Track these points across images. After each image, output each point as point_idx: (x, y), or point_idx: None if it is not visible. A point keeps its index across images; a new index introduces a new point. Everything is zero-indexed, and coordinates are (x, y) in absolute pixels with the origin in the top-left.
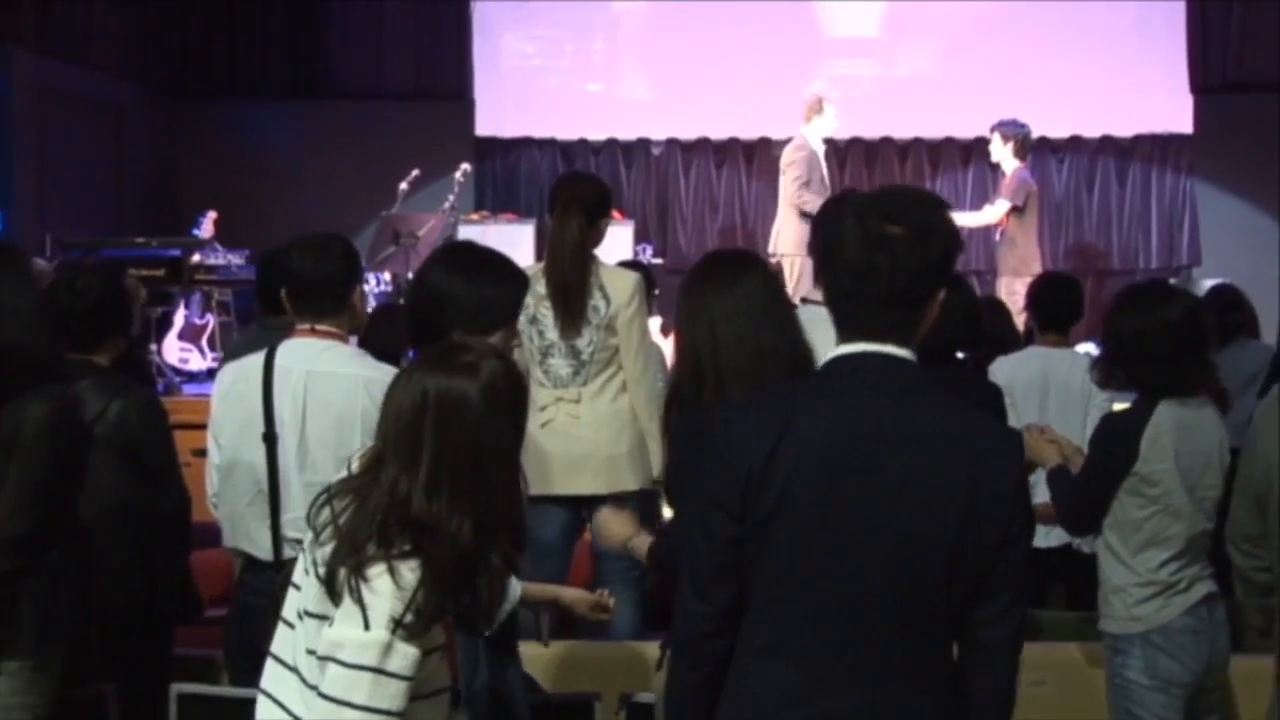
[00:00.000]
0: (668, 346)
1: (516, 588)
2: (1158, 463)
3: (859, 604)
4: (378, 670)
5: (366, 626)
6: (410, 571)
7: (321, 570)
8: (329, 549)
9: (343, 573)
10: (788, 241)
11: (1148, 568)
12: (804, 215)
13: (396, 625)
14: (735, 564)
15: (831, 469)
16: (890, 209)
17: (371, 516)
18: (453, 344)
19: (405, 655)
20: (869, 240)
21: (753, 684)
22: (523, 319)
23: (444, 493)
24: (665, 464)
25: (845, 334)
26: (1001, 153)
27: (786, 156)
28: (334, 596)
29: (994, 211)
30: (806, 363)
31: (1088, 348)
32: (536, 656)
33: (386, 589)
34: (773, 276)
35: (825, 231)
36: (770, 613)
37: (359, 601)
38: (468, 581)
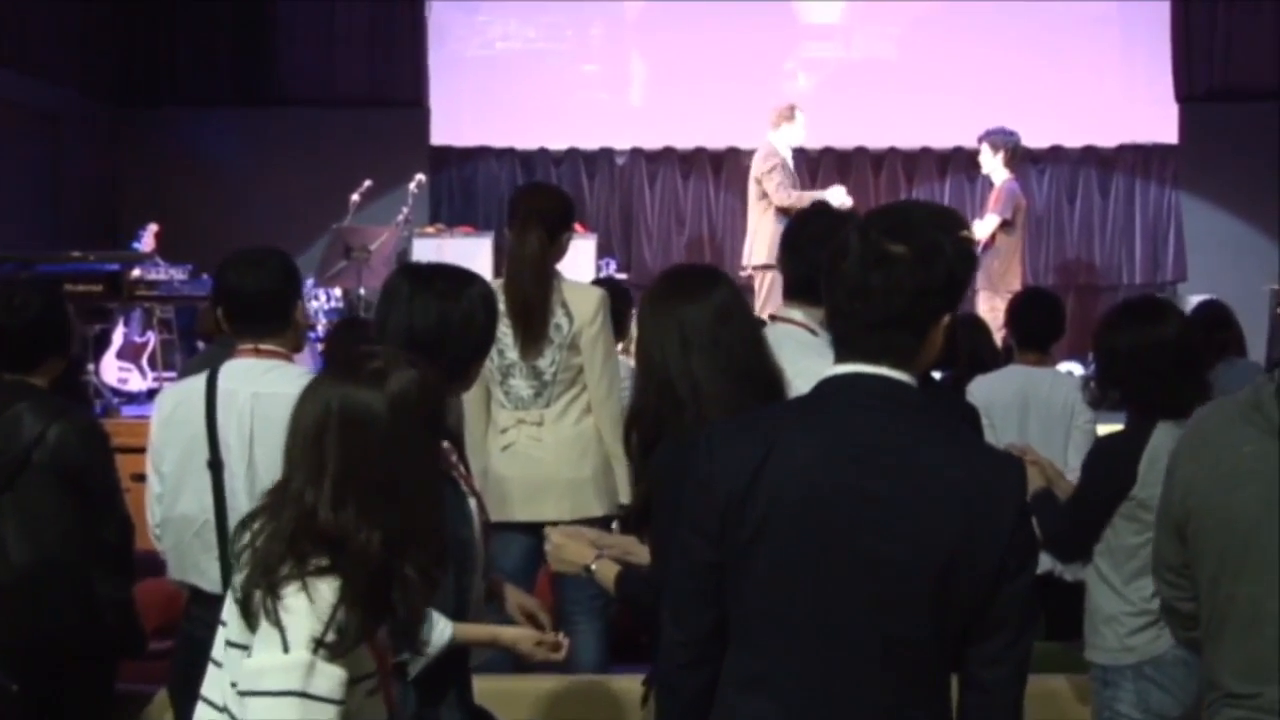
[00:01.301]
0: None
1: (445, 629)
2: (1155, 487)
3: (842, 637)
4: (302, 694)
5: (286, 649)
6: (328, 588)
7: (239, 595)
8: (245, 573)
9: (258, 595)
10: (762, 253)
11: (1141, 596)
12: (782, 214)
13: (318, 645)
14: (714, 591)
15: (816, 494)
16: (895, 226)
17: (283, 534)
18: (361, 352)
19: (330, 676)
20: (868, 257)
21: (734, 718)
22: None
23: (351, 505)
24: (636, 490)
25: (840, 354)
26: (991, 163)
27: (761, 164)
28: (250, 621)
29: (983, 227)
30: (780, 384)
31: (1069, 366)
32: (502, 691)
33: (303, 607)
34: (740, 292)
35: (829, 245)
36: (751, 644)
37: (276, 623)
38: (384, 596)
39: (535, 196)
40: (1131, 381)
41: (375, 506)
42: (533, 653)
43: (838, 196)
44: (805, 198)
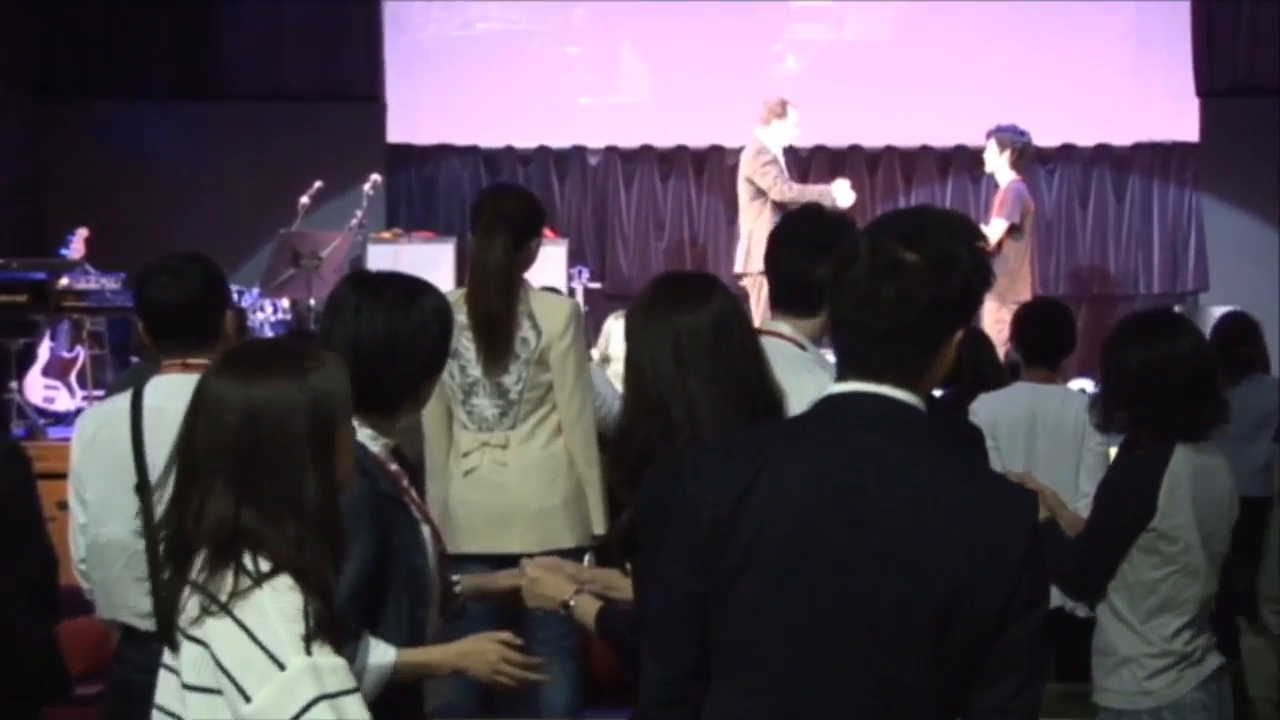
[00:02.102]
0: (616, 381)
1: (386, 652)
2: (1177, 516)
3: (832, 678)
4: (325, 697)
5: (281, 665)
6: (286, 586)
7: (188, 628)
8: (189, 604)
9: (216, 625)
10: (759, 258)
11: (1161, 635)
12: (781, 211)
13: (309, 642)
14: (696, 624)
15: (807, 522)
16: (909, 232)
17: (218, 552)
18: (266, 342)
19: (336, 669)
20: (878, 264)
21: None
22: None
23: (262, 504)
24: (621, 519)
25: (842, 370)
26: (996, 163)
27: (752, 161)
28: (214, 657)
29: (990, 232)
30: (782, 406)
31: (1081, 384)
32: None
33: (272, 616)
34: (738, 301)
35: (835, 251)
36: (733, 682)
37: (256, 643)
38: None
39: (501, 199)
40: (1143, 401)
41: (294, 499)
42: (500, 674)
43: (843, 191)
44: (809, 191)
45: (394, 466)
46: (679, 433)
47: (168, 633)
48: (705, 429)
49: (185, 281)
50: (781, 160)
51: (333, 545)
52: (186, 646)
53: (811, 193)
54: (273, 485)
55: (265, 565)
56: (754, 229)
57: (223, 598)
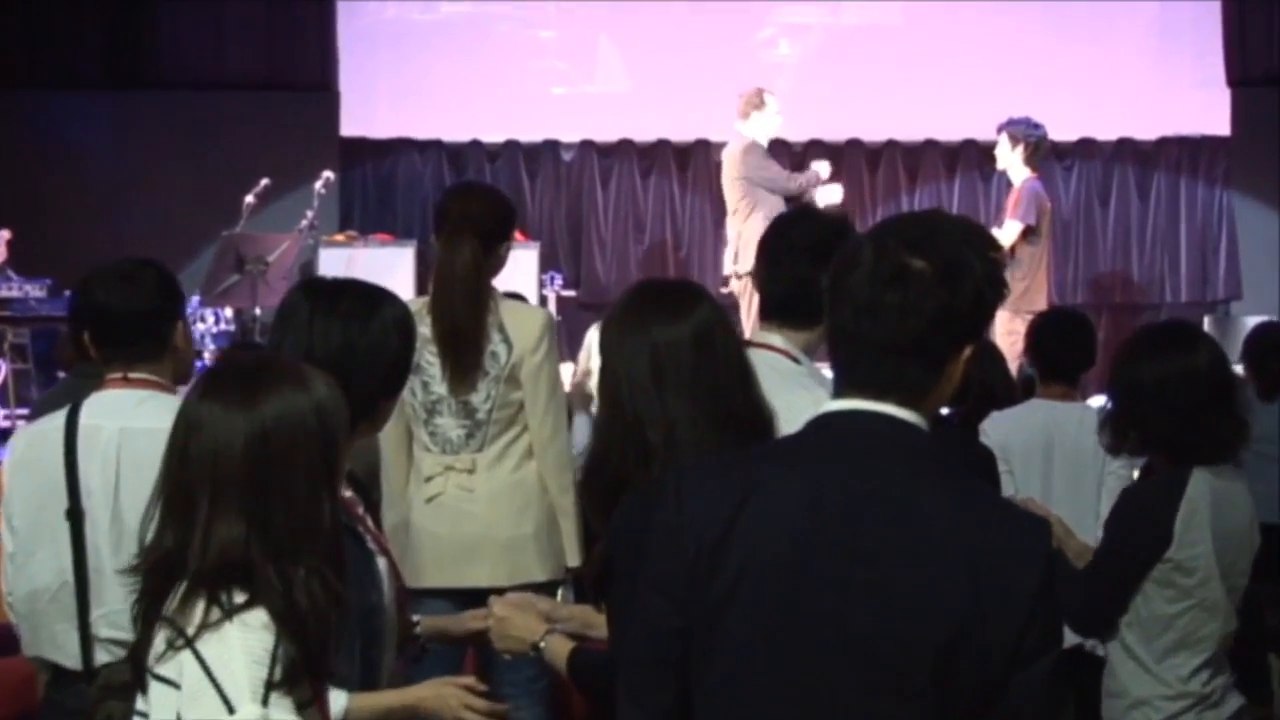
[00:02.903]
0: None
1: (339, 698)
2: (1194, 546)
3: None
4: None
5: (230, 708)
6: (260, 624)
7: (156, 665)
8: (157, 638)
9: (180, 655)
10: (748, 260)
11: (1177, 676)
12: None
13: (269, 690)
14: (678, 663)
15: (799, 552)
16: (917, 237)
17: (196, 578)
18: (254, 357)
19: (286, 712)
20: (882, 271)
21: None
22: None
23: (276, 530)
24: (595, 552)
25: (840, 387)
26: (1009, 159)
27: (744, 160)
28: (178, 683)
29: (1003, 235)
30: (771, 428)
31: (1101, 402)
32: None
33: (236, 654)
34: (724, 313)
35: (836, 255)
36: None
37: (211, 679)
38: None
39: (468, 199)
40: (1157, 421)
41: (295, 525)
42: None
43: (827, 178)
44: (803, 179)
45: (348, 493)
46: (655, 457)
47: (136, 672)
48: (683, 453)
49: (137, 287)
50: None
51: (343, 578)
52: (155, 688)
53: (803, 180)
54: (288, 513)
55: (240, 597)
56: (744, 230)
57: (190, 630)
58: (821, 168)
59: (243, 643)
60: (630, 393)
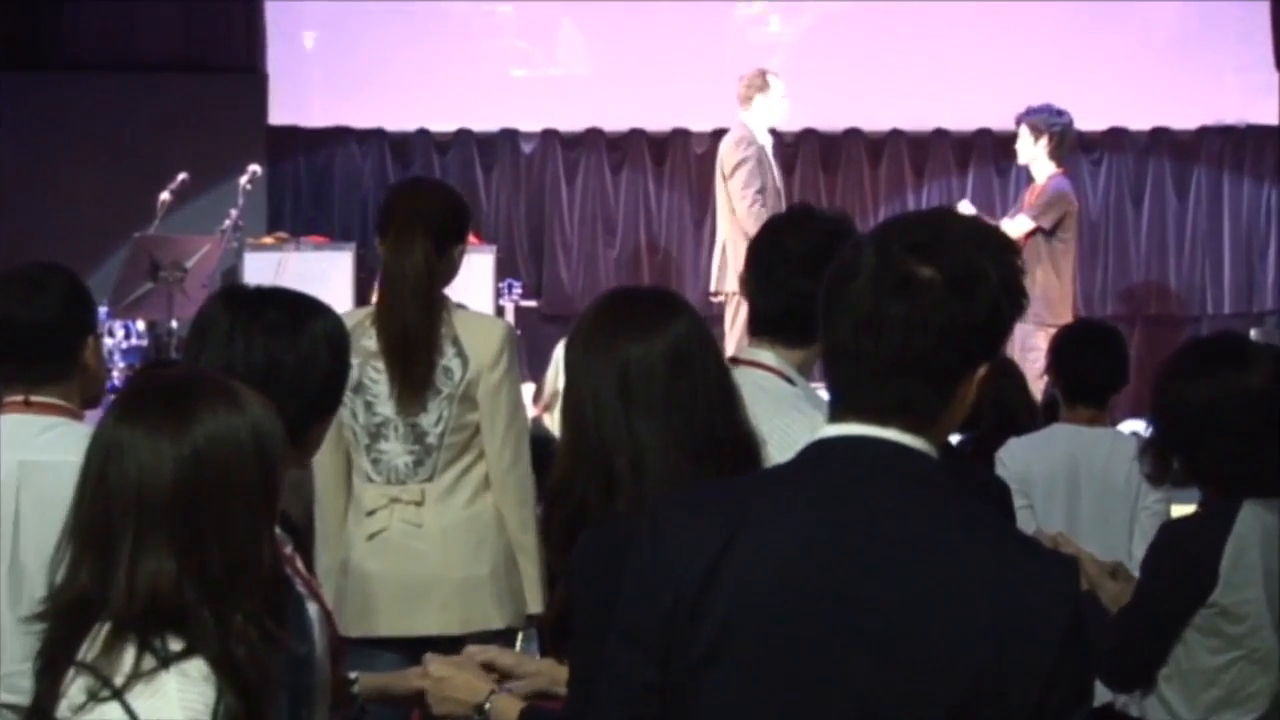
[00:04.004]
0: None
1: None
2: (1243, 590)
3: None
4: None
5: None
6: (200, 675)
7: (74, 718)
8: (72, 687)
9: (104, 707)
10: (737, 275)
11: None
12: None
13: None
14: None
15: (793, 599)
16: (924, 241)
17: (121, 621)
18: (179, 373)
19: None
20: (886, 280)
21: None
22: None
23: (211, 569)
24: (553, 596)
25: (837, 409)
26: (1032, 153)
27: (729, 154)
28: None
29: (1010, 229)
30: (756, 457)
31: (1134, 427)
32: None
33: (178, 707)
34: (705, 326)
35: (832, 262)
36: None
37: None
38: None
39: (418, 196)
40: (1204, 447)
41: (210, 559)
42: None
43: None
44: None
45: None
46: (620, 487)
47: None
48: (653, 484)
49: (43, 296)
50: (770, 150)
51: (284, 624)
52: None
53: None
54: (224, 549)
55: (176, 645)
56: (732, 235)
57: (118, 680)
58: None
59: (181, 697)
60: (595, 416)
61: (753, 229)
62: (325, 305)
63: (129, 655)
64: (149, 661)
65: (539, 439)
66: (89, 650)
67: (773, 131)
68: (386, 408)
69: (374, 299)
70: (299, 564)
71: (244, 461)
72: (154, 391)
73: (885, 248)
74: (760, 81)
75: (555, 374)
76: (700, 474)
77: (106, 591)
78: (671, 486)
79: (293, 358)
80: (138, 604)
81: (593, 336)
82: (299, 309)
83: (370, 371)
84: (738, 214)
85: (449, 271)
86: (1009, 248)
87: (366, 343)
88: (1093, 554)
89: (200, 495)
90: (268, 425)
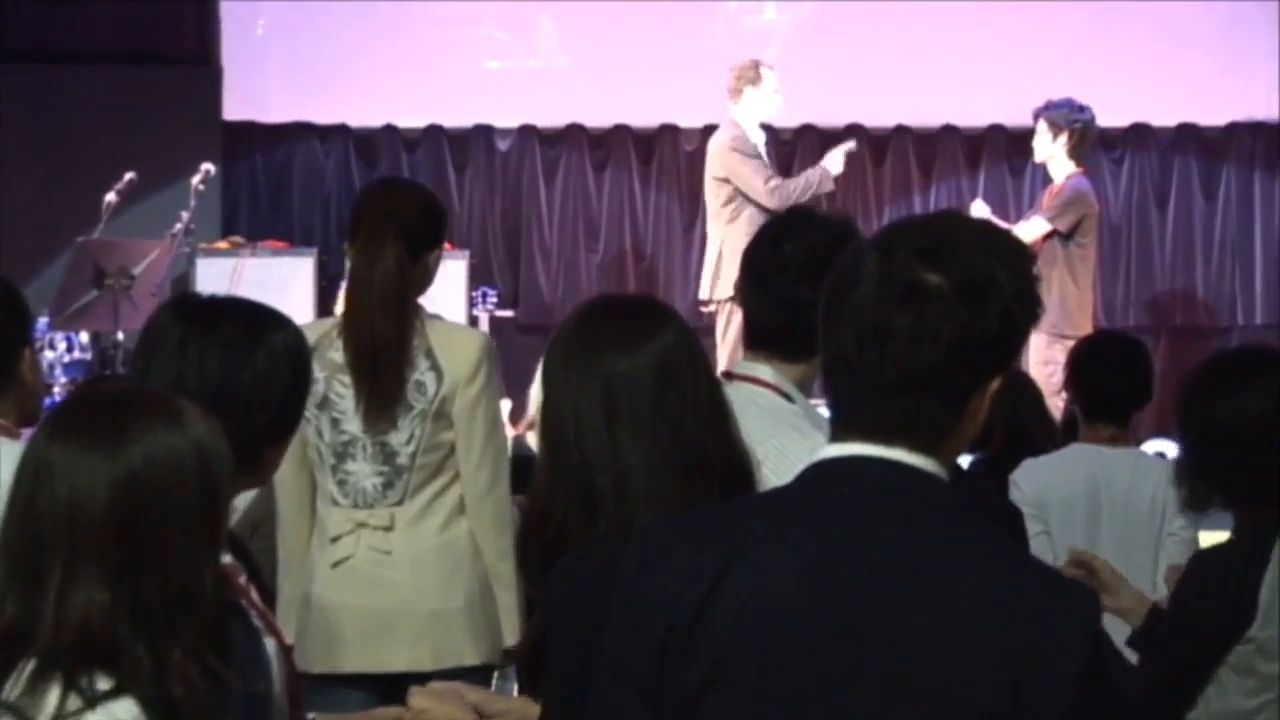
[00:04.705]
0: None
1: None
2: None
3: None
4: None
5: None
6: (129, 717)
7: None
8: None
9: None
10: (732, 280)
11: None
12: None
13: None
14: None
15: (793, 632)
16: (931, 246)
17: (48, 656)
18: (116, 388)
19: None
20: (891, 288)
21: None
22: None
23: (147, 599)
24: (528, 627)
25: (838, 428)
26: (1050, 151)
27: (726, 153)
28: None
29: (1023, 230)
30: (750, 479)
31: (1159, 446)
32: None
33: None
34: (694, 337)
35: (832, 269)
36: None
37: None
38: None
39: (391, 197)
40: (1236, 469)
41: (147, 589)
42: None
43: (835, 161)
44: (807, 184)
45: (227, 558)
46: (603, 508)
47: None
48: (638, 505)
49: None
50: (763, 147)
51: (228, 661)
52: None
53: (810, 183)
54: (162, 578)
55: (104, 683)
56: (726, 240)
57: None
58: (832, 161)
59: None
60: (577, 432)
61: (778, 201)
62: (285, 316)
63: (54, 695)
64: (74, 702)
65: (520, 460)
66: (13, 688)
67: (766, 127)
68: (354, 425)
69: (338, 308)
70: (254, 595)
71: (185, 484)
72: (88, 407)
73: (889, 253)
74: (752, 73)
75: (539, 390)
76: (689, 495)
77: (34, 624)
78: (658, 508)
79: (250, 373)
80: (66, 638)
81: (573, 349)
82: (257, 320)
83: (336, 386)
84: (765, 200)
85: (423, 279)
86: (1022, 252)
87: (333, 355)
88: (1108, 562)
89: (137, 520)
90: (211, 444)
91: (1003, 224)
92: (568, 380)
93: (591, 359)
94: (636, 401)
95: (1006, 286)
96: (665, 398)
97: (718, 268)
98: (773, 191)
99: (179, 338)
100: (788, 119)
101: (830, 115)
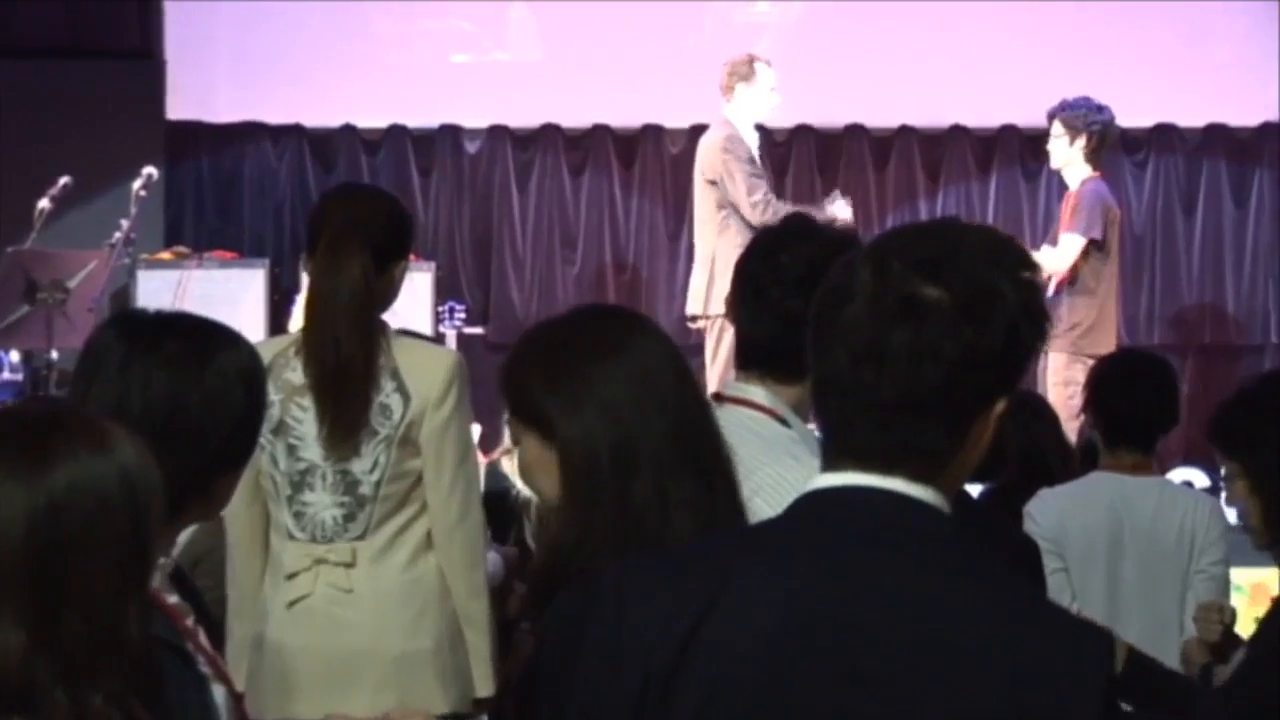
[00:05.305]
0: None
1: None
2: None
3: None
4: None
5: None
6: None
7: None
8: None
9: None
10: (724, 294)
11: None
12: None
13: None
14: None
15: (783, 677)
16: (930, 256)
17: None
18: (37, 409)
19: None
20: (887, 303)
21: None
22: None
23: (68, 639)
24: (522, 660)
25: (831, 456)
26: (1066, 154)
27: (712, 149)
28: None
29: (1062, 253)
30: (738, 506)
31: (1187, 475)
32: None
33: None
34: (673, 347)
35: (823, 282)
36: None
37: None
38: None
39: (355, 204)
40: None
41: (67, 628)
42: None
43: (842, 212)
44: (780, 209)
45: (172, 598)
46: (647, 521)
47: None
48: (679, 519)
49: None
50: (756, 149)
51: (154, 707)
52: None
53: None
54: (84, 616)
55: None
56: (718, 250)
57: None
58: (838, 208)
59: None
60: (586, 445)
61: (760, 217)
62: (237, 334)
63: None
64: None
65: (494, 491)
66: None
67: (760, 128)
68: (313, 452)
69: (293, 325)
70: (202, 638)
71: (110, 514)
72: (4, 430)
73: (885, 265)
74: (745, 69)
75: None
76: (713, 505)
77: None
78: (697, 514)
79: (199, 396)
80: None
81: (558, 358)
82: (206, 338)
83: (294, 409)
84: (749, 214)
85: (389, 292)
86: (1027, 262)
87: (290, 375)
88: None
89: (57, 553)
90: (139, 470)
91: (1034, 250)
92: (564, 406)
93: (580, 369)
94: (662, 389)
95: (1011, 300)
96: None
97: (710, 280)
98: (758, 206)
99: (122, 357)
100: (782, 119)
101: (828, 114)
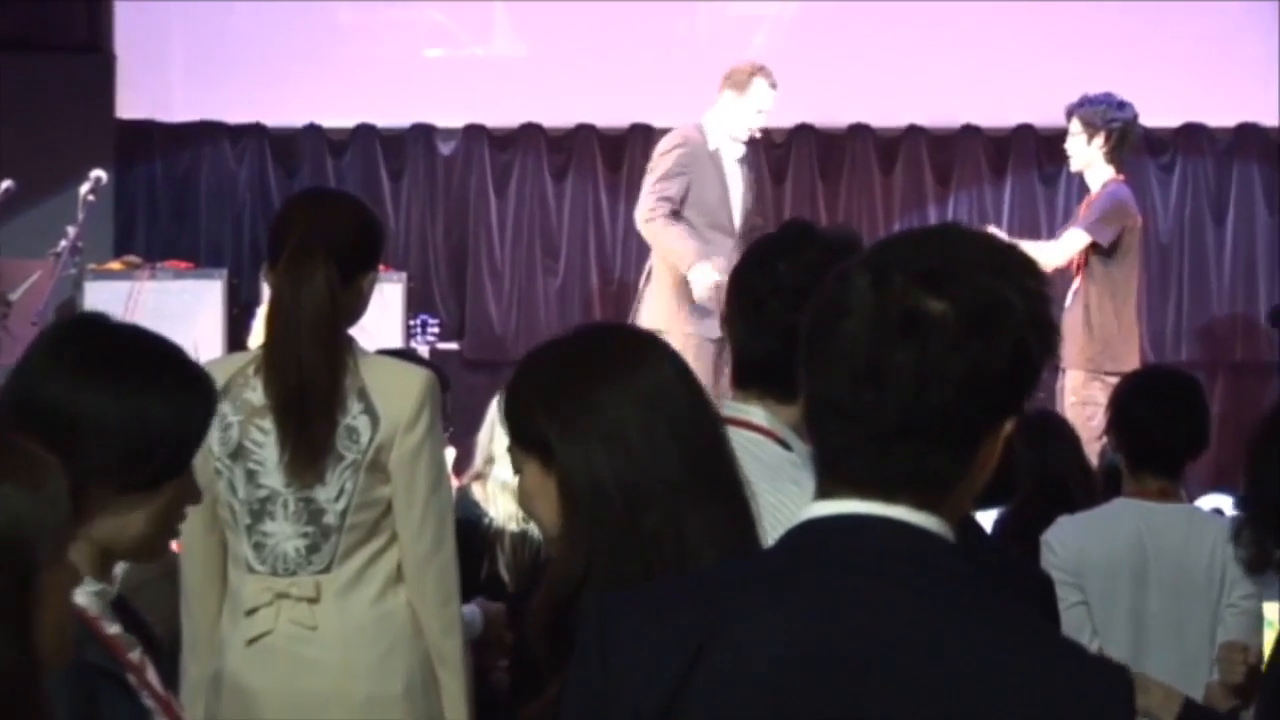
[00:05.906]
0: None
1: None
2: None
3: None
4: None
5: None
6: None
7: None
8: None
9: None
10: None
11: None
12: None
13: None
14: None
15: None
16: (932, 267)
17: None
18: None
19: None
20: (888, 318)
21: None
22: (216, 450)
23: None
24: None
25: (827, 482)
26: (1086, 154)
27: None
28: None
29: (1061, 248)
30: (755, 534)
31: (1217, 502)
32: None
33: None
34: (684, 365)
35: (815, 295)
36: None
37: None
38: None
39: (319, 210)
40: None
41: None
42: None
43: (702, 277)
44: (666, 236)
45: (114, 629)
46: (667, 549)
47: None
48: (704, 548)
49: None
50: (726, 153)
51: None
52: None
53: (679, 257)
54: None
55: None
56: (658, 266)
57: None
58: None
59: None
60: (592, 478)
61: (655, 247)
62: (182, 351)
63: None
64: None
65: (465, 519)
66: None
67: (763, 131)
68: (274, 479)
69: (252, 341)
70: (150, 676)
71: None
72: None
73: (884, 277)
74: (744, 79)
75: (489, 436)
76: (743, 538)
77: None
78: (720, 543)
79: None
80: None
81: (558, 379)
82: (155, 355)
83: (254, 433)
84: (636, 210)
85: (356, 305)
86: (1033, 271)
87: (250, 396)
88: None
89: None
90: (16, 509)
91: (1028, 242)
92: (563, 420)
93: (584, 390)
94: (676, 408)
95: (1020, 312)
96: (655, 431)
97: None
98: (641, 216)
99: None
100: (781, 119)
101: (830, 114)
